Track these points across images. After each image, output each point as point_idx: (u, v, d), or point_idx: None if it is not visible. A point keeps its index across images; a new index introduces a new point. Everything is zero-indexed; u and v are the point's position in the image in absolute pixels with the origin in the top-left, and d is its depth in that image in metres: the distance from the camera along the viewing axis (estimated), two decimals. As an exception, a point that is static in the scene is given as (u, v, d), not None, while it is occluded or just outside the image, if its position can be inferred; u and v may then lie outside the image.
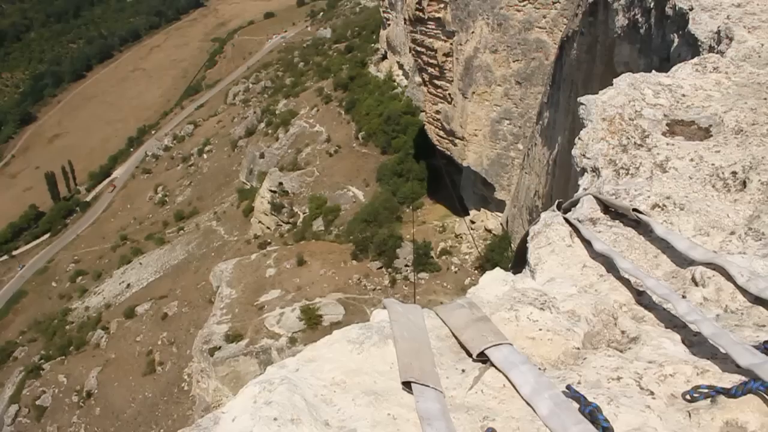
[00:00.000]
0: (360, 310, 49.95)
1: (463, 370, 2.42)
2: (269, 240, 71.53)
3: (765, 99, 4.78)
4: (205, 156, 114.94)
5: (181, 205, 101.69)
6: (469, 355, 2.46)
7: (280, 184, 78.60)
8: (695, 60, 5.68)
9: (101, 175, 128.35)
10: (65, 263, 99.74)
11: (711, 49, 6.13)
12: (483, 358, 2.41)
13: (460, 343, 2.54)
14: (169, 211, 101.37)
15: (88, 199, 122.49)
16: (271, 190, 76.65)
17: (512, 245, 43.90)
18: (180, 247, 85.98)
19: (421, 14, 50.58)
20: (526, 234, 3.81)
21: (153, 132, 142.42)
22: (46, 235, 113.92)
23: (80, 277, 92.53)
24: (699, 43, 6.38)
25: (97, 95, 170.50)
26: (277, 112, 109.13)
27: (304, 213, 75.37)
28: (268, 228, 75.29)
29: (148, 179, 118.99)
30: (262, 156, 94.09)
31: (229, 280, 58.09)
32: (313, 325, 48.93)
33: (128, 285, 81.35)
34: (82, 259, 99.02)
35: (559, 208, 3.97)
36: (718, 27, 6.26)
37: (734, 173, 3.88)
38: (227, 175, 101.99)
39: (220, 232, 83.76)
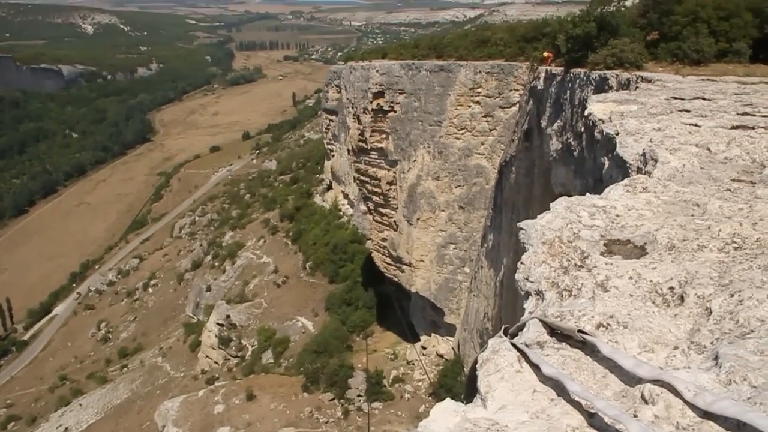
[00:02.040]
0: (313, 445, 48.22)
1: None
2: (217, 375, 69.61)
3: (692, 216, 5.01)
4: (150, 290, 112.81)
5: (125, 342, 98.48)
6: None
7: (228, 317, 77.43)
8: (626, 181, 5.97)
9: (41, 312, 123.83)
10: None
11: (639, 170, 6.47)
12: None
13: (412, 479, 2.45)
14: (113, 348, 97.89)
15: (25, 337, 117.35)
16: (218, 324, 75.36)
17: (465, 369, 43.50)
18: (123, 385, 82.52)
19: (363, 145, 52.22)
20: (475, 361, 3.78)
21: (97, 267, 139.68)
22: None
23: (12, 423, 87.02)
24: (627, 165, 6.73)
25: (39, 231, 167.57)
26: (223, 244, 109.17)
27: (252, 346, 74.00)
28: (215, 362, 73.41)
29: (91, 315, 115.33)
30: (208, 289, 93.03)
31: (176, 419, 55.67)
32: (264, 463, 46.91)
33: (66, 429, 77.10)
34: (15, 402, 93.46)
35: (506, 333, 3.98)
36: (644, 150, 6.64)
37: (672, 288, 3.99)
38: (173, 310, 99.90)
39: (166, 369, 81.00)
